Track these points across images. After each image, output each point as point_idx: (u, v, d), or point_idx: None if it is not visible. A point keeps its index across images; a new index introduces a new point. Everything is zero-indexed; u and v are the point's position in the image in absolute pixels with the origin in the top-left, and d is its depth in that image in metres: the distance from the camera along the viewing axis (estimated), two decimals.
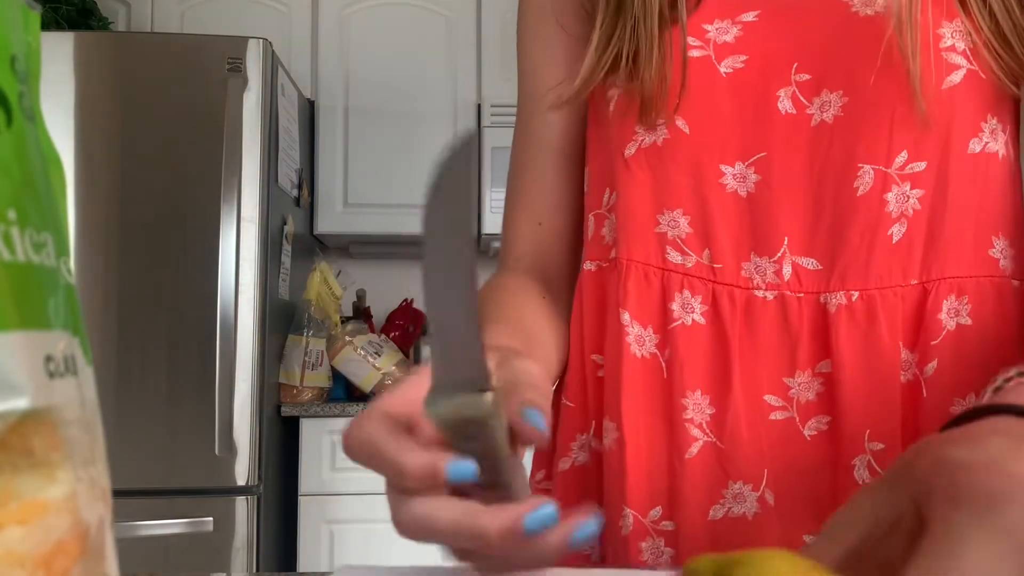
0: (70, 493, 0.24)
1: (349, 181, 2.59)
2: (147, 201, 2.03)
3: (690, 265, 0.58)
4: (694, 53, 0.57)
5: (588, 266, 0.63)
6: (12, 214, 0.23)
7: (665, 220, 0.58)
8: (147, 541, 1.94)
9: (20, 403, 0.22)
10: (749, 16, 0.57)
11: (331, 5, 2.62)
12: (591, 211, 0.65)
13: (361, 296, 2.71)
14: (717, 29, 0.57)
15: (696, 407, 0.56)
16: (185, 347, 2.00)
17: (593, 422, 0.61)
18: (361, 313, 2.68)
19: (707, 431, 0.56)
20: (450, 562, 0.37)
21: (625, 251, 0.59)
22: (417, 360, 2.49)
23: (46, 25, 2.20)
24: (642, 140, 0.59)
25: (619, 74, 0.59)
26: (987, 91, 0.54)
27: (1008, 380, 0.41)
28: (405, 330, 2.67)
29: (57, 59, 1.99)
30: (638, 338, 0.58)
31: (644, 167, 0.59)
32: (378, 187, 2.58)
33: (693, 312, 0.57)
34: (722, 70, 0.56)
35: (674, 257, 0.58)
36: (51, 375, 0.24)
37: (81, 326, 0.27)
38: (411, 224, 2.58)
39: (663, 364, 0.58)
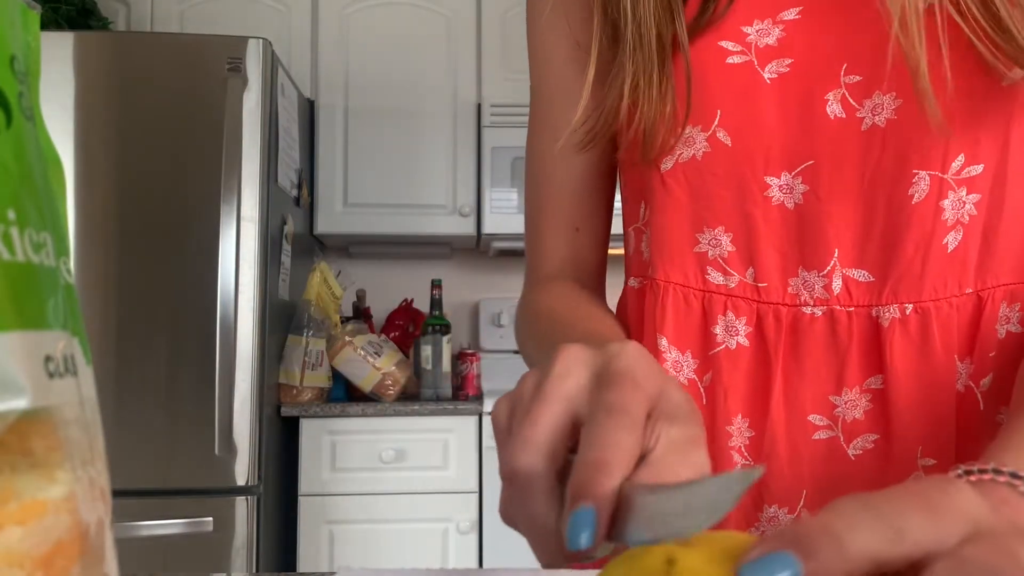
0: (69, 493, 0.24)
1: (349, 181, 2.59)
2: (147, 201, 2.03)
3: (733, 285, 0.55)
4: (734, 59, 0.53)
5: (632, 283, 0.61)
6: (11, 214, 0.23)
7: (705, 239, 0.55)
8: (147, 541, 1.94)
9: (19, 403, 0.22)
10: (791, 14, 0.52)
11: (331, 5, 2.62)
12: (630, 224, 0.62)
13: (361, 296, 2.71)
14: (758, 31, 0.53)
15: (737, 431, 0.54)
16: (185, 347, 2.00)
17: None
18: (361, 313, 2.68)
19: (745, 454, 0.54)
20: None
21: (662, 273, 0.56)
22: (417, 360, 2.48)
23: (46, 25, 2.20)
24: (680, 154, 0.55)
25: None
26: None
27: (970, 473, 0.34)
28: (405, 330, 2.67)
29: (57, 59, 1.99)
30: (675, 364, 0.56)
31: (682, 183, 0.55)
32: (378, 187, 2.58)
33: (738, 335, 0.54)
34: (766, 76, 0.52)
35: (715, 278, 0.55)
36: (50, 375, 0.24)
37: (81, 326, 0.27)
38: (411, 224, 2.58)
39: (702, 390, 0.55)
